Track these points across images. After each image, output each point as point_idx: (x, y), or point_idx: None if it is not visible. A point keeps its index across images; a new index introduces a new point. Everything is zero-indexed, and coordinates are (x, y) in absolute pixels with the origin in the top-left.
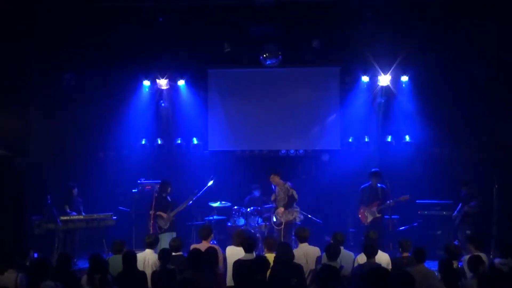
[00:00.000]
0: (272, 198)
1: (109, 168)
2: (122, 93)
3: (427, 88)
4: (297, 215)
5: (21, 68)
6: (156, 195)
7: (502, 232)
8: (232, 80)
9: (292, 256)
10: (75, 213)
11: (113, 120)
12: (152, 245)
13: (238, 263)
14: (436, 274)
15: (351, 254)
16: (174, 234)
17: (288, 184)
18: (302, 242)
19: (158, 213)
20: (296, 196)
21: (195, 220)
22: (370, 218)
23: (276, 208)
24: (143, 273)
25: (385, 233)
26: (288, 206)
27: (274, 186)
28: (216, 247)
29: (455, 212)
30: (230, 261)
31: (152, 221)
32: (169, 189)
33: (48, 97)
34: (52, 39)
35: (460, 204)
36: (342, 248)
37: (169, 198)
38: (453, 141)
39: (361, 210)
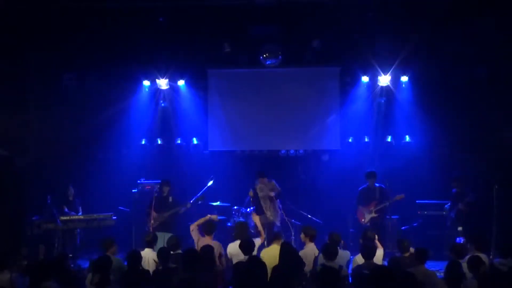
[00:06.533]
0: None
1: (109, 168)
2: (122, 93)
3: (427, 88)
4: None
5: (21, 68)
6: (155, 194)
7: (502, 232)
8: (232, 80)
9: (296, 256)
10: (74, 213)
11: (112, 120)
12: (151, 243)
13: (238, 265)
14: (437, 274)
15: (347, 252)
16: (167, 235)
17: (273, 181)
18: (311, 241)
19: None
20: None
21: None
22: (368, 218)
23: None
24: (147, 272)
25: (385, 233)
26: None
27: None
28: (217, 244)
29: (448, 210)
30: (234, 258)
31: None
32: (167, 189)
33: (48, 97)
34: (52, 38)
35: (450, 203)
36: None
37: (170, 199)
38: (453, 141)
39: (359, 211)
